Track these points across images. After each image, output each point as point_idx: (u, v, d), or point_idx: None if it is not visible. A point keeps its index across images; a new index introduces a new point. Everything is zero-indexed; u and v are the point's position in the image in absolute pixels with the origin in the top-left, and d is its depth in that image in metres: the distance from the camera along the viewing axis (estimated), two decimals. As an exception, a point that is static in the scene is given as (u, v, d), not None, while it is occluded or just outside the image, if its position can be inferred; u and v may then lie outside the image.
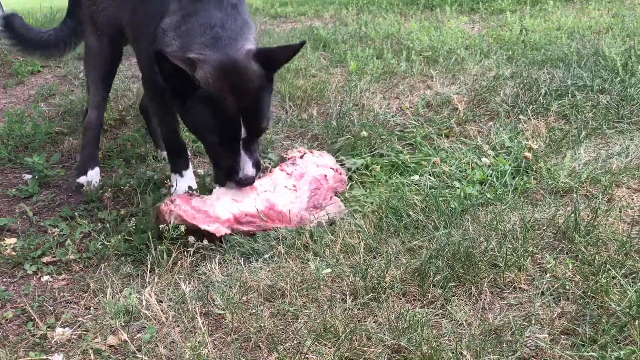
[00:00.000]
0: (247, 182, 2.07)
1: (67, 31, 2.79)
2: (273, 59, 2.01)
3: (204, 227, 1.99)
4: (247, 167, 2.03)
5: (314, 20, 5.71)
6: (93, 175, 2.52)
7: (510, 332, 1.48)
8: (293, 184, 2.18)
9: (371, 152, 2.56)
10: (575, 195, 2.13)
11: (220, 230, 2.01)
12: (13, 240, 2.11)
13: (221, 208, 2.05)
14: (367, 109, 3.13)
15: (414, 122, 2.87)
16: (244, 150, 2.01)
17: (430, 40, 4.18)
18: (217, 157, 2.09)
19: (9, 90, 3.66)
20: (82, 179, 2.49)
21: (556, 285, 1.64)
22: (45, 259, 2.03)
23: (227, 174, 2.07)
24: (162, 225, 1.98)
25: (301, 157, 2.32)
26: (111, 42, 2.52)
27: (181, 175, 2.35)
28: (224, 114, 1.94)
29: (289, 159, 2.34)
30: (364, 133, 2.69)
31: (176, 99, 1.99)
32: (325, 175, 2.23)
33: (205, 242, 1.98)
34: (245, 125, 1.96)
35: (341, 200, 2.21)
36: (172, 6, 2.04)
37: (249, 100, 1.95)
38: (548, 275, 1.69)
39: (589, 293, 1.58)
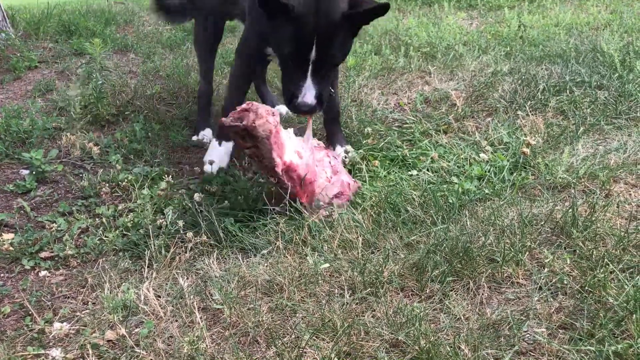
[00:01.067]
0: (303, 110, 2.16)
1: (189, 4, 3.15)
2: (359, 5, 2.15)
3: (274, 154, 1.96)
4: (309, 94, 2.14)
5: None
6: (205, 134, 2.90)
7: (508, 327, 1.49)
8: (330, 176, 2.19)
9: (370, 146, 2.56)
10: (573, 191, 2.14)
11: (279, 167, 1.99)
12: (10, 235, 2.10)
13: (288, 150, 2.04)
14: (365, 104, 3.12)
15: (412, 118, 2.86)
16: (311, 76, 2.14)
17: (429, 36, 4.18)
18: (287, 76, 2.22)
19: (6, 86, 3.64)
20: (199, 135, 2.90)
21: (554, 280, 1.65)
22: (43, 254, 2.02)
23: (289, 97, 2.18)
24: (236, 122, 1.92)
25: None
26: (215, 21, 2.94)
27: (219, 144, 2.54)
28: (301, 31, 2.09)
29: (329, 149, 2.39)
30: (369, 129, 2.69)
31: (268, 14, 2.15)
32: (349, 184, 2.22)
33: (204, 237, 1.97)
34: (317, 46, 2.09)
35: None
36: None
37: (326, 27, 2.09)
38: (546, 270, 1.69)
39: (586, 288, 1.58)
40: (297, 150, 2.10)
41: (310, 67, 2.13)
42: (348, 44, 2.23)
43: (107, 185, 2.39)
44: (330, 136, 2.63)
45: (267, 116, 1.93)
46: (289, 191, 2.04)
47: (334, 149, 2.53)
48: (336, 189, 2.17)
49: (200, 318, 1.61)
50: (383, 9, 2.12)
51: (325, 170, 2.19)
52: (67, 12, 5.35)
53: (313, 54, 2.10)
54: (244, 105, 1.98)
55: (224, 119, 1.99)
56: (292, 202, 2.05)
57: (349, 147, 2.54)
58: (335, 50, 2.16)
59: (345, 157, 2.46)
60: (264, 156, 1.98)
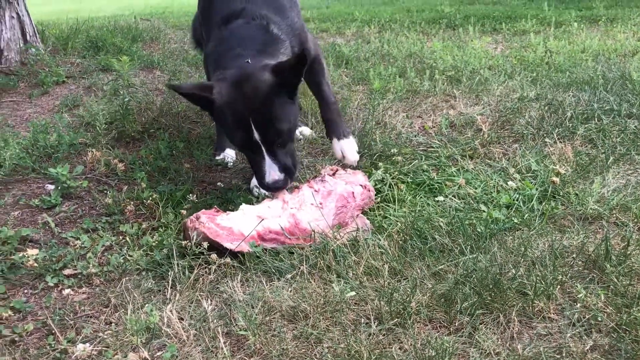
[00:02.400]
0: (275, 187, 2.17)
1: None
2: (283, 68, 2.14)
3: (226, 244, 1.98)
4: (273, 172, 2.15)
5: (336, 37, 5.72)
6: (226, 153, 2.89)
7: (540, 364, 1.44)
8: (320, 202, 2.18)
9: (394, 170, 2.53)
10: (604, 223, 2.09)
11: (243, 247, 1.99)
12: (35, 251, 2.11)
13: (245, 225, 2.05)
14: (389, 127, 3.11)
15: (438, 142, 2.84)
16: (268, 155, 2.14)
17: (454, 59, 4.17)
18: (249, 160, 2.27)
19: (35, 100, 3.69)
20: (221, 155, 2.89)
21: (587, 317, 1.60)
22: (66, 272, 2.02)
23: (258, 178, 2.21)
24: (185, 242, 1.99)
25: (333, 174, 2.32)
26: None
27: None
28: (236, 118, 2.13)
29: (319, 176, 2.33)
30: (394, 150, 2.67)
31: (209, 113, 2.26)
32: (353, 193, 2.21)
33: (228, 259, 1.96)
34: (256, 126, 2.10)
35: (368, 218, 2.19)
36: (215, 32, 2.43)
37: (258, 104, 2.11)
38: (578, 305, 1.65)
39: (622, 326, 1.53)
40: (257, 215, 2.10)
41: (262, 147, 2.14)
42: (289, 110, 2.18)
43: (132, 202, 2.39)
44: (326, 126, 2.55)
45: (192, 224, 2.01)
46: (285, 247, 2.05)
47: (330, 141, 2.49)
48: (332, 206, 2.17)
49: (224, 343, 1.58)
50: (301, 59, 2.09)
51: (310, 203, 2.19)
52: (95, 28, 5.44)
53: (256, 136, 2.11)
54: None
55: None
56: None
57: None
58: (278, 124, 2.13)
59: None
60: (226, 248, 2.00)
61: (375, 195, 2.35)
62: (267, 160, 2.15)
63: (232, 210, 2.16)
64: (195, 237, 1.98)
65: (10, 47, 4.18)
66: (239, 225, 2.05)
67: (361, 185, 2.26)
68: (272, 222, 2.08)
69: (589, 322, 1.59)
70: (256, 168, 2.20)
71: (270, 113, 2.12)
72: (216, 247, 1.98)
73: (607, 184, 2.33)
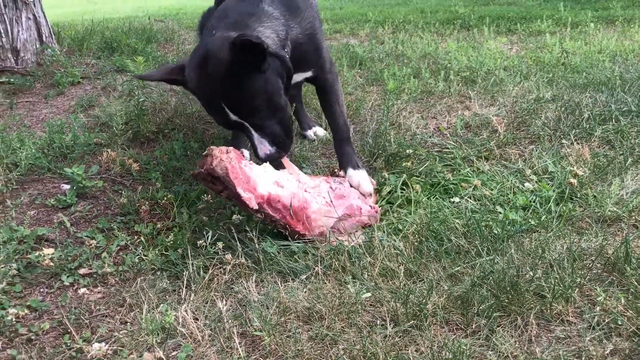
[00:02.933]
0: (267, 160, 2.11)
1: None
2: (241, 44, 1.96)
3: (240, 190, 1.95)
4: (262, 146, 2.09)
5: (349, 38, 5.71)
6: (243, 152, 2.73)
7: (560, 368, 1.42)
8: (331, 199, 2.16)
9: (410, 171, 2.51)
10: (623, 225, 2.06)
11: (252, 201, 1.97)
12: (51, 250, 2.12)
13: (263, 182, 2.03)
14: (403, 128, 3.09)
15: (453, 143, 2.82)
16: (254, 131, 2.08)
17: (469, 60, 4.14)
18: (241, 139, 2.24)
19: (50, 101, 3.72)
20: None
21: (607, 320, 1.57)
22: (82, 271, 2.03)
23: (254, 154, 2.14)
24: (197, 171, 1.98)
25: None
26: None
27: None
28: (208, 105, 2.10)
29: (339, 176, 2.34)
30: (410, 151, 2.66)
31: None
32: (361, 209, 2.19)
33: (243, 259, 1.95)
34: (229, 108, 2.04)
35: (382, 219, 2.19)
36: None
37: (224, 88, 2.02)
38: (598, 308, 1.62)
39: (643, 330, 1.51)
40: (276, 181, 2.08)
41: (244, 125, 2.08)
42: (259, 82, 2.04)
43: (146, 202, 2.39)
44: (340, 158, 2.47)
45: (221, 155, 1.97)
46: (280, 223, 2.03)
47: (345, 172, 2.39)
48: (339, 210, 2.14)
49: (239, 344, 1.58)
50: (259, 46, 1.95)
51: (322, 195, 2.17)
52: (110, 30, 5.47)
53: (233, 117, 2.05)
54: (205, 152, 2.04)
55: (192, 171, 2.08)
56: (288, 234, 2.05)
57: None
58: (251, 101, 2.04)
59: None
60: (234, 194, 1.97)
61: (389, 197, 2.34)
62: (255, 137, 2.08)
63: None
64: (216, 167, 1.93)
65: (27, 47, 4.22)
66: (258, 178, 2.02)
67: (370, 206, 2.23)
68: (287, 194, 2.05)
69: (609, 326, 1.56)
70: (250, 143, 2.15)
71: (238, 92, 2.01)
72: (226, 188, 1.96)
73: (625, 185, 2.30)
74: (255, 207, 1.98)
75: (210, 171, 1.95)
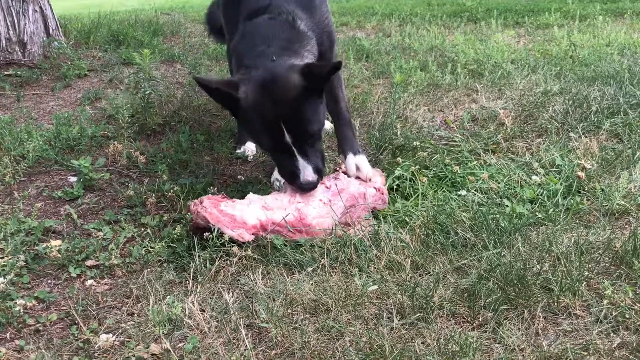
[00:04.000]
0: (309, 187, 2.15)
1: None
2: (313, 72, 2.08)
3: (227, 231, 1.99)
4: (307, 172, 2.13)
5: (356, 30, 5.69)
6: (247, 147, 2.89)
7: (566, 361, 1.41)
8: (329, 198, 2.17)
9: (416, 164, 2.50)
10: (631, 219, 2.05)
11: (244, 236, 2.00)
12: (58, 242, 2.12)
13: (249, 213, 2.06)
14: (410, 121, 3.08)
15: (460, 136, 2.81)
16: (300, 156, 2.11)
17: (476, 53, 4.12)
18: (278, 161, 2.24)
19: (57, 93, 3.73)
20: (241, 149, 2.90)
21: (614, 314, 1.57)
22: (89, 263, 2.03)
23: (289, 179, 2.18)
24: (189, 223, 2.05)
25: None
26: None
27: None
28: (266, 121, 2.09)
29: (334, 173, 2.32)
30: (416, 143, 2.65)
31: (231, 112, 2.22)
32: (364, 194, 2.19)
33: (249, 251, 1.95)
34: (288, 129, 2.06)
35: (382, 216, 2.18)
36: (239, 27, 2.35)
37: (288, 107, 2.06)
38: (605, 302, 1.61)
39: (651, 323, 1.50)
40: (263, 206, 2.10)
41: (294, 149, 2.11)
42: (318, 110, 2.15)
43: (153, 195, 2.39)
44: (340, 142, 2.48)
45: (196, 208, 2.03)
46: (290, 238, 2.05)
47: (345, 157, 2.41)
48: (341, 205, 2.15)
49: (246, 335, 1.58)
50: (336, 68, 2.06)
51: (319, 199, 2.17)
52: (116, 22, 5.48)
53: (288, 139, 2.08)
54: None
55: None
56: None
57: (359, 158, 2.37)
58: (310, 126, 2.11)
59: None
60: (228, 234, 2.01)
61: (396, 191, 2.33)
62: (301, 162, 2.12)
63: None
64: (198, 221, 2.00)
65: (34, 40, 4.23)
66: (243, 213, 2.05)
67: (375, 188, 2.23)
68: (277, 214, 2.08)
69: (616, 319, 1.55)
70: (287, 169, 2.16)
71: (301, 116, 2.08)
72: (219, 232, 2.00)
73: (633, 179, 2.28)
74: (250, 238, 2.01)
75: (195, 225, 2.03)
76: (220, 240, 1.98)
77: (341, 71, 2.57)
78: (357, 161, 2.36)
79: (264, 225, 2.05)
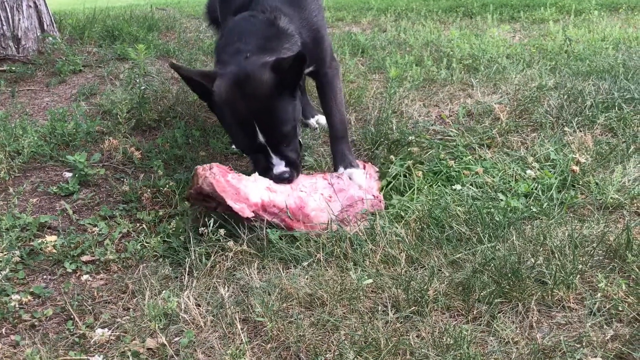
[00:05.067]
0: (282, 178, 2.15)
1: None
2: (282, 66, 2.08)
3: (229, 202, 1.97)
4: (279, 167, 2.14)
5: (351, 26, 5.68)
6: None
7: (560, 354, 1.42)
8: (329, 195, 2.17)
9: (411, 158, 2.51)
10: (625, 212, 2.06)
11: (244, 211, 1.99)
12: (53, 237, 2.13)
13: (254, 191, 2.05)
14: (406, 116, 3.08)
15: (455, 131, 2.81)
16: (273, 153, 2.14)
17: (471, 48, 4.12)
18: (251, 158, 2.26)
19: (52, 89, 3.71)
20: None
21: (608, 306, 1.58)
22: (84, 258, 2.04)
23: (262, 173, 2.17)
24: (189, 191, 2.02)
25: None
26: None
27: None
28: (238, 123, 2.12)
29: (336, 172, 2.33)
30: (412, 137, 2.65)
31: (208, 103, 2.23)
32: (362, 199, 2.19)
33: (245, 246, 1.96)
34: (261, 130, 2.09)
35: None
36: (226, 22, 2.38)
37: (260, 106, 2.08)
38: (599, 295, 1.62)
39: (644, 316, 1.51)
40: (268, 187, 2.10)
41: (267, 147, 2.13)
42: (292, 109, 2.15)
43: (148, 190, 2.40)
44: (334, 156, 2.43)
45: (204, 172, 2.01)
46: (280, 226, 2.05)
47: (335, 170, 2.37)
48: (339, 204, 2.15)
49: (241, 329, 1.59)
50: (299, 59, 2.04)
51: (320, 192, 2.18)
52: (111, 18, 5.46)
53: (262, 139, 2.10)
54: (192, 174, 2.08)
55: (185, 194, 2.13)
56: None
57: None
58: (283, 126, 2.12)
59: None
60: (226, 207, 1.99)
61: (392, 183, 2.34)
62: (274, 158, 2.15)
63: None
64: (203, 185, 1.97)
65: (28, 36, 4.21)
66: (247, 189, 2.05)
67: (373, 196, 2.23)
68: (280, 197, 2.08)
69: (610, 312, 1.56)
70: (260, 165, 2.18)
71: (274, 116, 2.10)
72: (219, 203, 1.99)
73: (627, 173, 2.29)
74: (250, 215, 2.00)
75: (198, 190, 2.00)
76: (216, 235, 1.99)
77: (339, 83, 2.55)
78: (350, 174, 2.31)
79: (265, 206, 2.04)
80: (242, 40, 2.22)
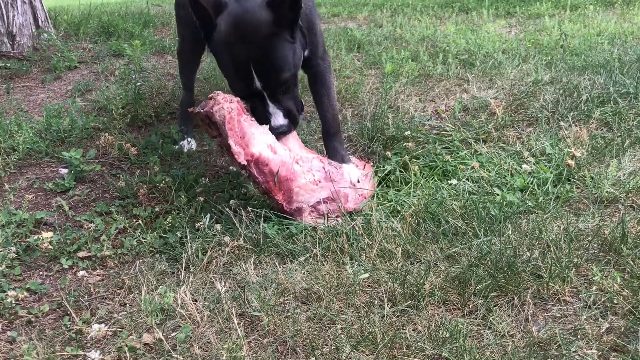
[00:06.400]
0: (279, 132, 2.11)
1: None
2: (278, 3, 1.99)
3: (231, 141, 1.96)
4: (277, 117, 2.10)
5: (347, 21, 5.68)
6: (184, 143, 2.81)
7: (555, 346, 1.43)
8: (319, 179, 2.16)
9: (408, 153, 2.51)
10: (620, 206, 2.06)
11: (240, 156, 1.98)
12: (50, 233, 2.12)
13: (257, 141, 2.02)
14: (402, 111, 3.08)
15: (451, 126, 2.81)
16: (270, 101, 2.08)
17: (467, 43, 4.12)
18: (250, 106, 2.16)
19: (47, 85, 3.70)
20: (180, 144, 2.80)
21: (603, 299, 1.59)
22: (80, 254, 2.03)
23: (260, 122, 2.11)
24: (200, 110, 1.98)
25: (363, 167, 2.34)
26: (193, 32, 2.72)
27: None
28: (234, 61, 2.03)
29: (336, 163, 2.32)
30: (408, 132, 2.65)
31: (207, 38, 2.12)
32: (347, 195, 2.19)
33: (242, 241, 1.96)
34: (258, 74, 2.01)
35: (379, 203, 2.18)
36: None
37: (258, 52, 2.00)
38: (594, 288, 1.63)
39: (639, 308, 1.52)
40: (270, 145, 2.06)
41: (264, 94, 2.07)
42: (291, 53, 2.07)
43: (145, 186, 2.39)
44: (326, 152, 2.41)
45: (224, 102, 1.95)
46: (262, 186, 2.03)
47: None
48: (324, 193, 2.13)
49: (238, 324, 1.59)
50: None
51: (312, 172, 2.15)
52: (107, 14, 5.43)
53: (258, 84, 2.04)
54: (210, 95, 2.02)
55: (192, 108, 2.05)
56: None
57: (344, 167, 2.28)
58: (281, 71, 2.05)
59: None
60: (226, 144, 1.97)
61: (388, 178, 2.34)
62: (271, 107, 2.09)
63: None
64: (215, 113, 1.93)
65: (23, 32, 4.19)
66: (253, 137, 2.01)
67: (360, 195, 2.22)
68: (276, 160, 2.05)
69: (605, 305, 1.57)
70: (258, 113, 2.12)
71: (271, 60, 2.02)
72: (219, 134, 1.97)
73: (623, 167, 2.30)
74: (243, 162, 1.98)
75: (209, 114, 1.95)
76: (212, 231, 1.99)
77: (331, 77, 2.52)
78: (345, 171, 2.29)
79: (259, 160, 2.01)
80: None
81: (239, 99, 2.05)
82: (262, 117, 2.12)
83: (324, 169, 2.21)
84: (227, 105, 1.96)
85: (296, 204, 2.08)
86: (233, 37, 2.01)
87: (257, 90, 2.06)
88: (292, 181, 2.07)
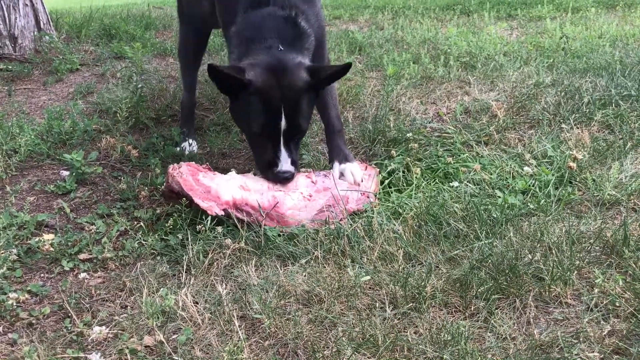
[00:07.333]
0: (285, 177, 2.18)
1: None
2: (320, 73, 2.20)
3: (197, 200, 2.03)
4: (286, 163, 2.18)
5: (349, 24, 5.68)
6: (186, 145, 2.83)
7: (557, 349, 1.43)
8: (310, 194, 2.18)
9: (410, 156, 2.51)
10: (622, 209, 2.06)
11: (213, 209, 2.03)
12: (51, 236, 2.12)
13: (225, 189, 2.09)
14: (403, 113, 3.08)
15: (453, 128, 2.81)
16: (284, 146, 2.17)
17: (468, 45, 4.12)
18: (259, 148, 2.25)
19: (49, 87, 3.70)
20: (181, 146, 2.83)
21: (605, 302, 1.58)
22: (82, 256, 2.03)
23: (267, 166, 2.21)
24: (161, 188, 2.12)
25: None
26: (196, 31, 2.86)
27: None
28: (268, 104, 2.15)
29: (325, 171, 2.34)
30: (410, 134, 2.65)
31: (230, 98, 2.27)
32: (348, 197, 2.19)
33: (243, 244, 1.96)
34: (286, 116, 2.14)
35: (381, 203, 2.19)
36: (238, 17, 2.33)
37: (291, 95, 2.15)
38: (596, 290, 1.63)
39: (641, 311, 1.51)
40: (241, 185, 2.13)
41: (282, 138, 2.17)
42: (311, 109, 2.29)
43: (146, 188, 2.39)
44: (330, 151, 2.47)
45: (173, 172, 2.08)
46: (253, 221, 2.08)
47: (331, 166, 2.39)
48: (321, 202, 2.16)
49: (239, 327, 1.59)
50: (344, 70, 2.24)
51: (300, 191, 2.19)
52: (108, 16, 5.44)
53: (283, 124, 2.15)
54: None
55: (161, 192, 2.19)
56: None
57: (348, 165, 2.33)
58: (303, 121, 2.21)
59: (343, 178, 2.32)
60: (195, 205, 2.05)
61: (390, 179, 2.34)
62: (283, 152, 2.18)
63: None
64: (172, 184, 2.04)
65: (25, 34, 4.20)
66: (219, 187, 2.08)
67: (362, 193, 2.23)
68: (253, 196, 2.11)
69: (607, 308, 1.57)
70: (267, 156, 2.20)
71: (300, 108, 2.17)
72: (190, 200, 2.04)
73: (624, 169, 2.30)
74: (220, 213, 2.04)
75: (169, 187, 2.07)
76: (214, 233, 1.99)
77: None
78: (343, 169, 2.33)
79: (237, 204, 2.08)
80: (271, 35, 2.25)
81: (189, 162, 2.16)
82: (269, 161, 2.21)
83: (312, 182, 2.22)
84: (177, 172, 2.06)
85: (294, 224, 2.09)
86: (271, 82, 2.14)
87: (278, 133, 2.16)
88: (279, 207, 2.11)
